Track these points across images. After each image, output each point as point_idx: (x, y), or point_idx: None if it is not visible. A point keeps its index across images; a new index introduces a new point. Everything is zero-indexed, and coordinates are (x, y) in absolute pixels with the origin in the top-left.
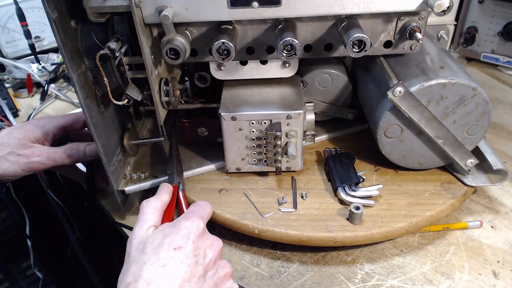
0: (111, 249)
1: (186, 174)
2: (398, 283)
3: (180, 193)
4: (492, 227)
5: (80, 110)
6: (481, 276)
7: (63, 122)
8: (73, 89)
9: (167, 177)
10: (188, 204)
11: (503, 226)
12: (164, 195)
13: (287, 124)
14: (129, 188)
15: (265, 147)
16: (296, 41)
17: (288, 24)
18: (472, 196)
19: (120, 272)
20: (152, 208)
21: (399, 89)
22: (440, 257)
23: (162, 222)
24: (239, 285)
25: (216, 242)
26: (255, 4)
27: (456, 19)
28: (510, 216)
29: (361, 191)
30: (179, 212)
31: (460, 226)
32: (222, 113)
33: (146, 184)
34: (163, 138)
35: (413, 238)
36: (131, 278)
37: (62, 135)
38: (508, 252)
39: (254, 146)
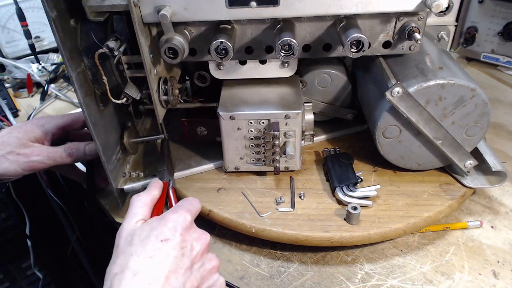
0: (111, 249)
1: (185, 173)
2: (398, 283)
3: (170, 190)
4: (492, 227)
5: (80, 110)
6: (481, 276)
7: (62, 122)
8: (73, 89)
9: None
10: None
11: (503, 226)
12: (154, 190)
13: (286, 124)
14: (128, 186)
15: (263, 146)
16: (294, 41)
17: (287, 24)
18: (472, 196)
19: (108, 264)
20: (142, 202)
21: (397, 89)
22: (440, 257)
23: (152, 216)
24: (234, 285)
25: (203, 236)
26: (253, 4)
27: (456, 19)
28: (510, 216)
29: (359, 192)
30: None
31: (460, 226)
32: (220, 113)
33: (145, 183)
34: (163, 136)
35: (413, 238)
36: (117, 269)
37: (61, 135)
38: (508, 252)
39: (252, 146)
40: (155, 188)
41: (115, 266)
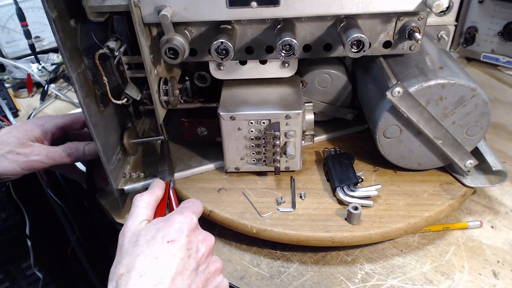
0: (111, 249)
1: (185, 173)
2: (398, 283)
3: (171, 191)
4: (492, 227)
5: (80, 110)
6: (481, 276)
7: (62, 121)
8: (73, 89)
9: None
10: (179, 202)
11: (503, 226)
12: (157, 190)
13: (286, 124)
14: (128, 187)
15: (264, 146)
16: (295, 41)
17: (287, 24)
18: (472, 196)
19: (112, 264)
20: (145, 202)
21: (398, 89)
22: (440, 257)
23: (155, 217)
24: (233, 285)
25: (208, 238)
26: (254, 4)
27: (456, 19)
28: (510, 216)
29: (360, 192)
30: (170, 209)
31: (460, 226)
32: (221, 113)
33: (145, 183)
34: (163, 137)
35: (413, 238)
36: (123, 270)
37: (61, 135)
38: (508, 252)
39: (253, 146)
40: (158, 188)
41: (121, 266)
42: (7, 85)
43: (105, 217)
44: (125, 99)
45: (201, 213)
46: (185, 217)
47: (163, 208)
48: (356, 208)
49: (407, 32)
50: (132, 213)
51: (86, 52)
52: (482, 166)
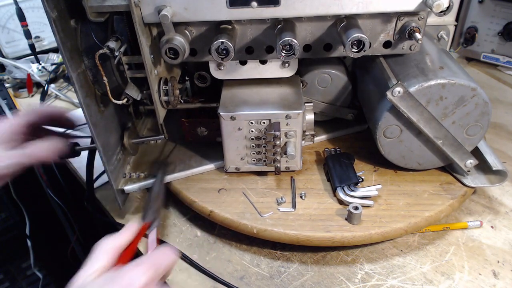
0: None
1: (185, 173)
2: (398, 283)
3: (154, 231)
4: (492, 227)
5: (80, 110)
6: (481, 276)
7: (19, 124)
8: (73, 89)
9: (164, 176)
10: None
11: (503, 226)
12: (126, 233)
13: (286, 124)
14: (128, 187)
15: (264, 147)
16: (295, 41)
17: (287, 24)
18: (472, 196)
19: None
20: (104, 249)
21: (398, 89)
22: (440, 257)
23: (118, 262)
24: (233, 285)
25: None
26: (254, 4)
27: (456, 19)
28: (510, 216)
29: (360, 191)
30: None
31: (460, 226)
32: (221, 113)
33: (145, 183)
34: (163, 137)
35: (413, 238)
36: None
37: (28, 133)
38: (508, 252)
39: (253, 146)
40: (127, 231)
41: None
42: (7, 85)
43: (105, 217)
44: (125, 99)
45: (171, 266)
46: (137, 272)
47: (130, 253)
48: (356, 208)
49: (407, 32)
50: (88, 260)
51: (86, 52)
52: (482, 166)
